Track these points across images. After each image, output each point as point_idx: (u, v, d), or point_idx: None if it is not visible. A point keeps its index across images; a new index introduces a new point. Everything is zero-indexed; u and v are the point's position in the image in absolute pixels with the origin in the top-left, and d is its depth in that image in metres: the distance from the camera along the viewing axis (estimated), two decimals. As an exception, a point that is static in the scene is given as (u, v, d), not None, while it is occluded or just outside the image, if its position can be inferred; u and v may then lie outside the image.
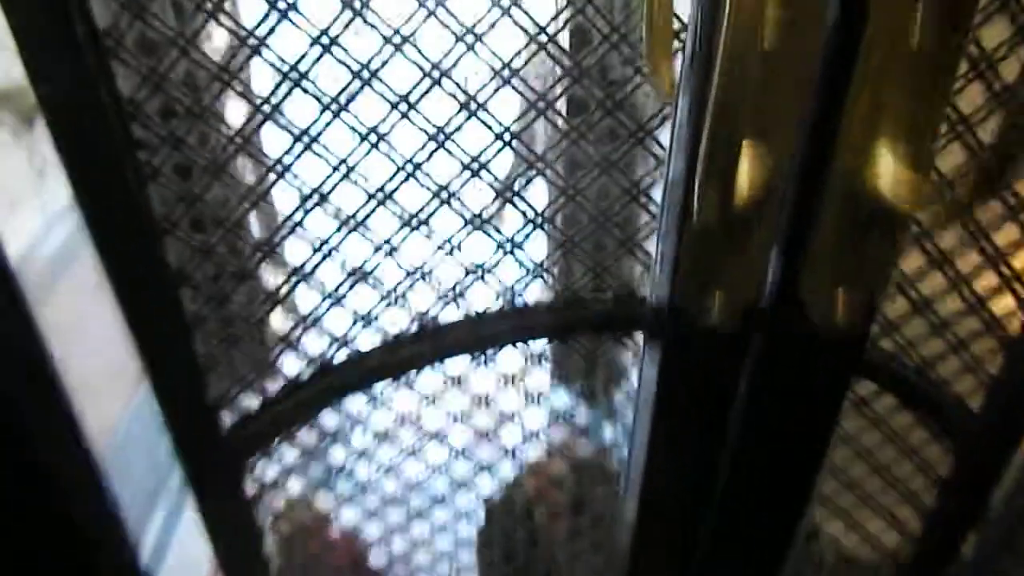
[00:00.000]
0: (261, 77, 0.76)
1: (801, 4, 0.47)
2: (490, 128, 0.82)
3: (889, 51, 0.48)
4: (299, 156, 0.80)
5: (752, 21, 0.45)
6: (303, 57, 0.74)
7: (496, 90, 0.81)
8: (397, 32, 0.74)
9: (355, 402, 1.04)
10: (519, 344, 1.05)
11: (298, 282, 0.88)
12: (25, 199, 2.45)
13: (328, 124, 0.79)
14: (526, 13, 0.77)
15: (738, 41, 0.46)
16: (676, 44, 0.67)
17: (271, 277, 0.89)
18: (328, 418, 1.06)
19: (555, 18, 0.79)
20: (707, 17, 0.49)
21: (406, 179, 0.84)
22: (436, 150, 0.82)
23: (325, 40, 0.73)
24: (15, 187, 2.39)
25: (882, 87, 0.49)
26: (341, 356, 0.97)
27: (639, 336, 1.00)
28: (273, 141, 0.79)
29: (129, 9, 0.67)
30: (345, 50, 0.75)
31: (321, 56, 0.74)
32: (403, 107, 0.79)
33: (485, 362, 1.04)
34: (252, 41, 0.72)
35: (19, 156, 2.27)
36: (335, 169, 0.82)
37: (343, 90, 0.77)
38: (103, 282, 0.70)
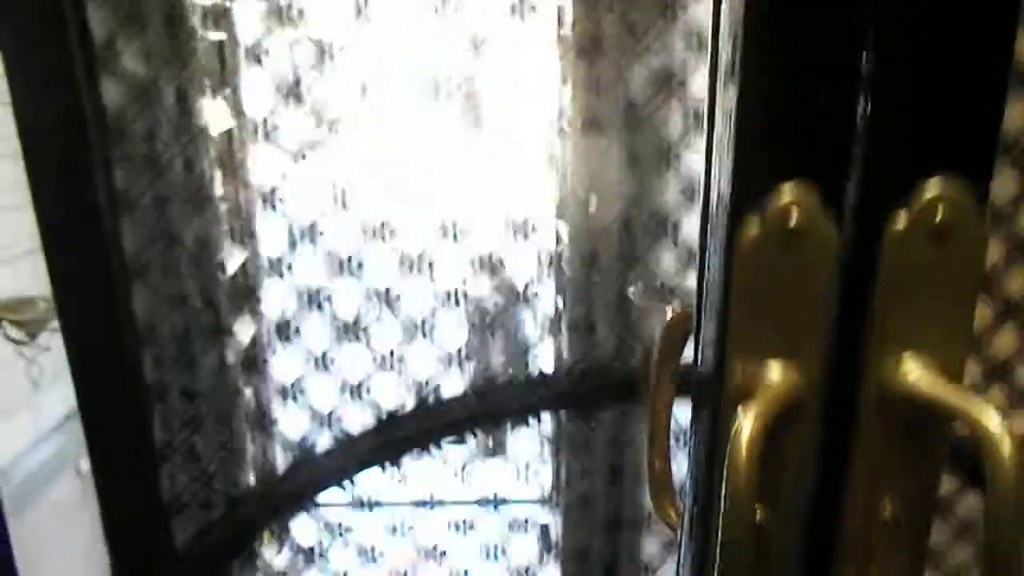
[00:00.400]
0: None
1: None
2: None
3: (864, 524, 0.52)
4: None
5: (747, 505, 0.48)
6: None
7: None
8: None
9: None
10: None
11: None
12: (18, 409, 2.44)
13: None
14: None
15: (733, 522, 0.48)
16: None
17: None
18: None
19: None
20: (703, 491, 0.52)
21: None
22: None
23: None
24: (10, 398, 2.40)
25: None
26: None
27: None
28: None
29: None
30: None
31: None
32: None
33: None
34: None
35: (18, 367, 2.28)
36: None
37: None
38: (82, 501, 0.67)
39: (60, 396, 2.21)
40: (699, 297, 0.52)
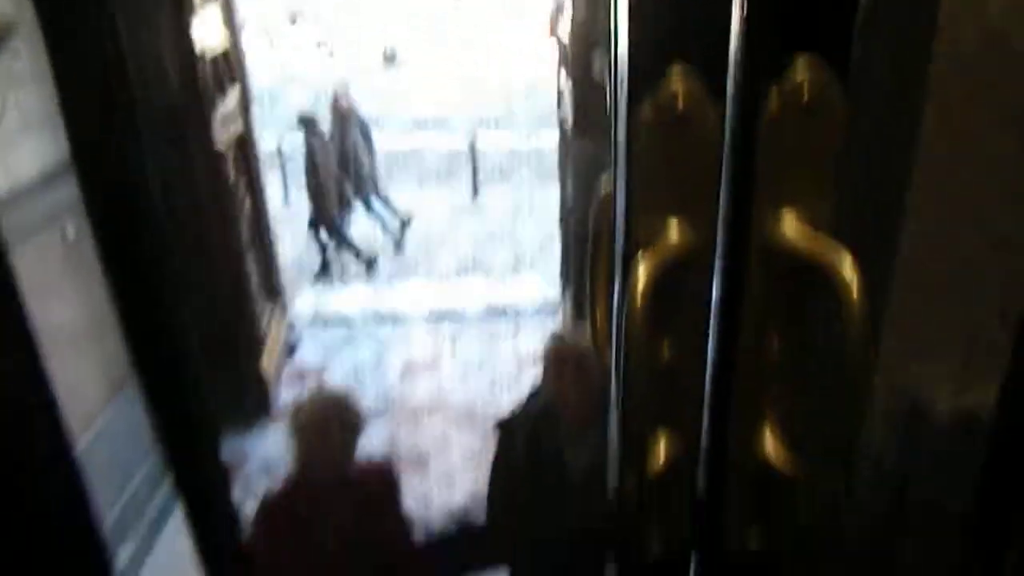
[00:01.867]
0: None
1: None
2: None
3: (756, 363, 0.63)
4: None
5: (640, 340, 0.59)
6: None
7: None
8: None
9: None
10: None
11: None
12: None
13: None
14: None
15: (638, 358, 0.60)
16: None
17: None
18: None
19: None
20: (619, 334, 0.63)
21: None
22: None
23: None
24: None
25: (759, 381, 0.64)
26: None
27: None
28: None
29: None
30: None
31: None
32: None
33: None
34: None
35: None
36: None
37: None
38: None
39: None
40: (612, 165, 0.63)
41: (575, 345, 1.53)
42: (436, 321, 3.28)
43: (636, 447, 0.64)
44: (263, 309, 2.54)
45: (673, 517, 0.70)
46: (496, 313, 3.26)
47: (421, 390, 3.46)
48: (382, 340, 3.18)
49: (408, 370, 3.16)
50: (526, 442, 1.55)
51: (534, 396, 1.60)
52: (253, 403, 2.26)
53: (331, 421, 1.50)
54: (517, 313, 3.24)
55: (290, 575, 1.51)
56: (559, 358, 1.54)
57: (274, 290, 2.64)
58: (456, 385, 3.36)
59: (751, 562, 0.71)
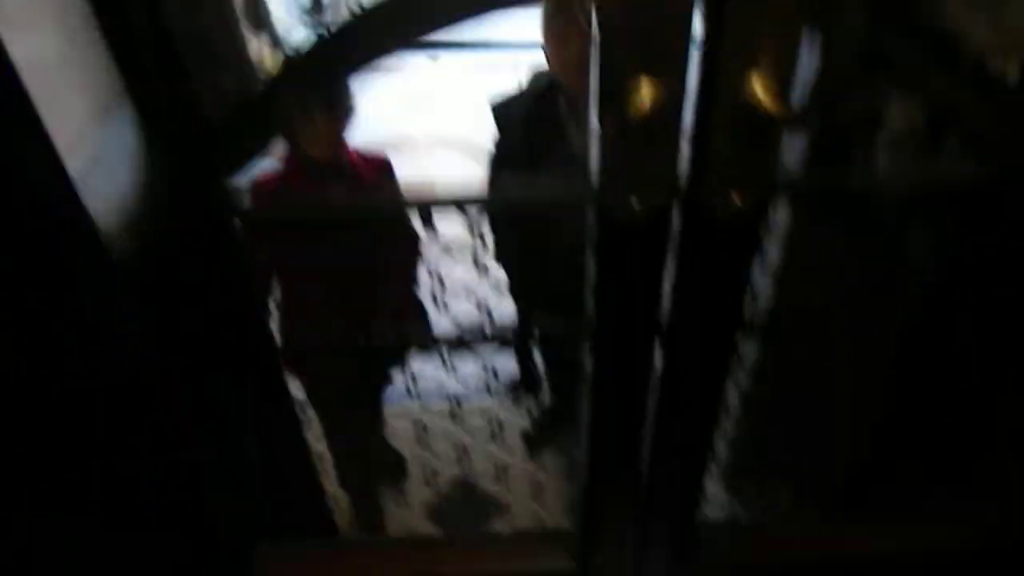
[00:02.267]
0: None
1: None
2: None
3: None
4: None
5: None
6: None
7: None
8: None
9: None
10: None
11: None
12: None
13: None
14: None
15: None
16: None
17: None
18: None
19: None
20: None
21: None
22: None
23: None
24: None
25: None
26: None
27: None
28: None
29: None
30: None
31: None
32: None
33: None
34: None
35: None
36: None
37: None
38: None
39: None
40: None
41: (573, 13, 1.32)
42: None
43: (617, 88, 0.61)
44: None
45: (658, 169, 0.69)
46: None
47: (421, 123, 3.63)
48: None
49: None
50: (524, 122, 1.50)
51: (535, 79, 1.52)
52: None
53: (319, 101, 1.41)
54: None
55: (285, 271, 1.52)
56: (557, 27, 1.36)
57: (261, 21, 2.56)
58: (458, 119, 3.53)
59: (734, 223, 0.72)
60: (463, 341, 1.05)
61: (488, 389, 1.10)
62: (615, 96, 0.63)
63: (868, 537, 1.21)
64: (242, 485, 1.06)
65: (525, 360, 2.17)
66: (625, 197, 0.72)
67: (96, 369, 0.82)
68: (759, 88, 0.65)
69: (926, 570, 1.22)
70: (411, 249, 1.68)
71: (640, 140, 0.68)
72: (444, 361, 1.09)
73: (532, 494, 1.14)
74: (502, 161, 1.60)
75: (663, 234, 0.76)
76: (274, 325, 1.55)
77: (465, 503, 1.69)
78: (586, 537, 1.08)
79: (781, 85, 0.65)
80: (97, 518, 1.02)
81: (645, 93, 0.64)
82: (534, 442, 2.28)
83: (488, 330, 1.06)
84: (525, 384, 2.22)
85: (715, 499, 1.04)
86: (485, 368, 1.12)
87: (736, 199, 0.72)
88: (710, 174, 0.71)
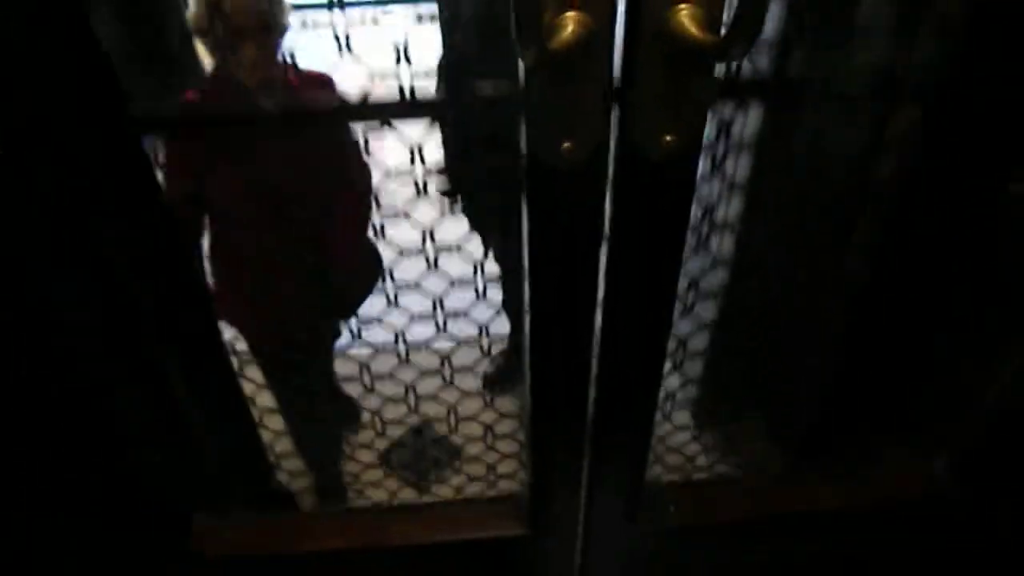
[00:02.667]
0: None
1: None
2: None
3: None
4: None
5: None
6: None
7: None
8: None
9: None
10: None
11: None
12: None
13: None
14: None
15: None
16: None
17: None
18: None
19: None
20: None
21: None
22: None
23: None
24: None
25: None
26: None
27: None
28: None
29: None
30: None
31: None
32: None
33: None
34: None
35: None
36: None
37: None
38: None
39: None
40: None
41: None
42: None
43: (534, 17, 0.57)
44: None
45: (587, 111, 0.67)
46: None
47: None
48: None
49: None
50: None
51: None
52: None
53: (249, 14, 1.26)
54: None
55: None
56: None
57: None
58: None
59: (668, 164, 0.70)
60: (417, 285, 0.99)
61: (438, 328, 1.03)
62: (536, 29, 0.61)
63: (816, 495, 1.22)
64: (178, 450, 1.03)
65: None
66: (554, 141, 0.70)
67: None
68: (686, 19, 0.63)
69: (873, 524, 1.24)
70: (359, 181, 1.50)
71: (566, 79, 0.66)
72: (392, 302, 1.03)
73: (487, 437, 1.09)
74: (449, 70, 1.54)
75: (597, 178, 0.74)
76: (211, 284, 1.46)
77: (418, 449, 1.64)
78: (535, 501, 1.07)
79: (711, 15, 0.63)
80: (21, 487, 0.98)
81: (568, 26, 0.62)
82: (494, 382, 2.19)
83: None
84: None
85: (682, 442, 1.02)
86: (436, 306, 1.06)
87: (669, 139, 0.71)
88: (641, 115, 0.70)
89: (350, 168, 1.46)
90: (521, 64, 0.68)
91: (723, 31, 0.64)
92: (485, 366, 2.22)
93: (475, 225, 1.64)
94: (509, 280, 2.09)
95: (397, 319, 1.09)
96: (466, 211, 1.63)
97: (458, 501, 1.17)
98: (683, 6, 0.63)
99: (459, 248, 1.05)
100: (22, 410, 0.90)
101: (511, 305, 2.23)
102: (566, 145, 0.71)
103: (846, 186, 1.17)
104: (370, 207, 1.43)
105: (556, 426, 0.96)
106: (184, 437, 1.01)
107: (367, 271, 1.60)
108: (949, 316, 1.21)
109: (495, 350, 1.96)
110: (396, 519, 1.15)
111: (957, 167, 1.10)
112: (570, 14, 0.62)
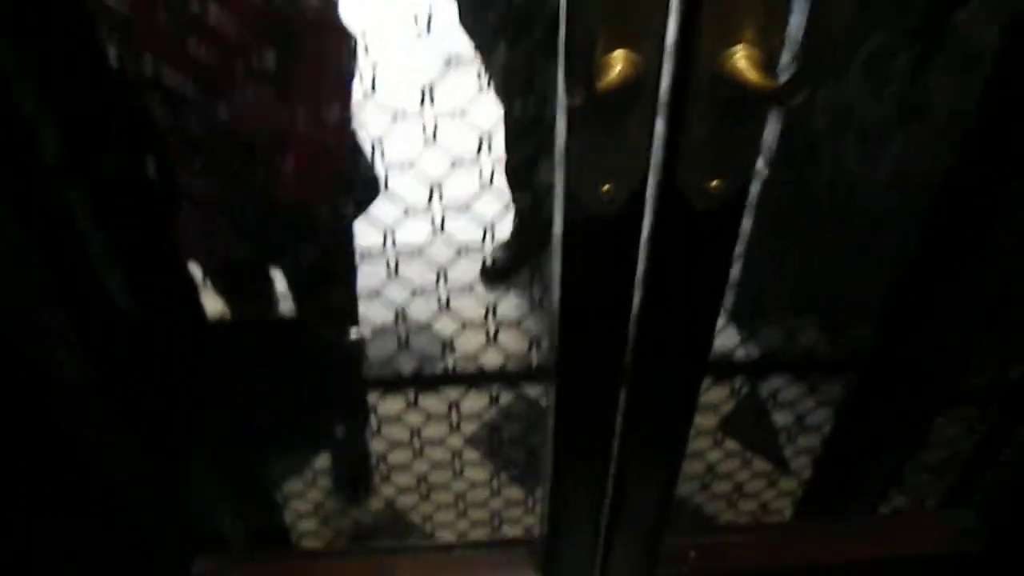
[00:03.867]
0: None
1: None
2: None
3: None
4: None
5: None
6: None
7: None
8: None
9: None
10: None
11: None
12: None
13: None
14: None
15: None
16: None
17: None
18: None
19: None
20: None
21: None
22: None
23: None
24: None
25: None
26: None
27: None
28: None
29: None
30: None
31: None
32: None
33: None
34: None
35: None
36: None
37: None
38: None
39: None
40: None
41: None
42: None
43: (586, 58, 0.54)
44: None
45: (631, 153, 0.64)
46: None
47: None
48: None
49: None
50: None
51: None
52: None
53: None
54: None
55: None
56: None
57: None
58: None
59: (712, 212, 0.66)
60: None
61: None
62: (587, 68, 0.56)
63: (838, 546, 1.18)
64: (177, 492, 0.98)
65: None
66: (594, 183, 0.66)
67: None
68: (742, 61, 0.59)
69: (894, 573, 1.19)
70: (341, 57, 1.16)
71: (610, 120, 0.62)
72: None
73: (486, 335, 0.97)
74: None
75: (635, 224, 0.69)
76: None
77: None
78: (550, 546, 1.02)
79: (768, 56, 0.59)
80: (14, 531, 0.93)
81: (617, 65, 0.57)
82: (493, 275, 2.09)
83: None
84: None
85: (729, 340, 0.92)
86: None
87: (715, 184, 0.66)
88: (687, 159, 0.65)
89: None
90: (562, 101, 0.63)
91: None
92: (485, 256, 2.08)
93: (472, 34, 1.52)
94: (509, 123, 1.98)
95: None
96: (462, 22, 1.53)
97: (468, 544, 1.12)
98: (740, 47, 0.59)
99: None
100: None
101: (513, 171, 2.13)
102: (606, 188, 0.66)
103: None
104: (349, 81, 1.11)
105: (575, 491, 0.91)
106: (184, 478, 0.96)
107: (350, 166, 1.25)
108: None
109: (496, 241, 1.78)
110: (402, 561, 1.10)
111: None
112: (619, 52, 0.58)
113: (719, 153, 0.65)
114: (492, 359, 0.95)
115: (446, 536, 1.22)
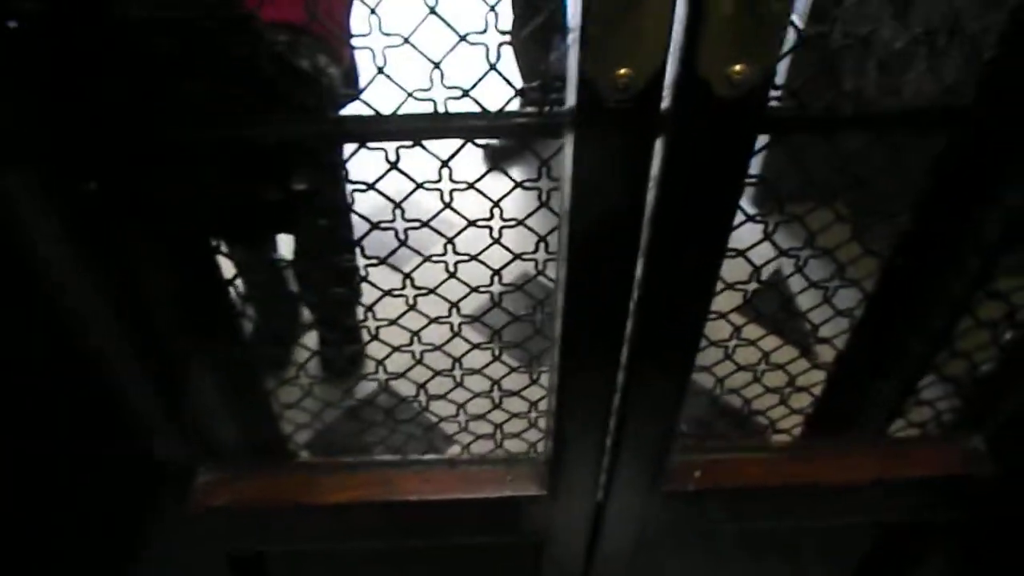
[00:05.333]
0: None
1: None
2: None
3: None
4: None
5: None
6: None
7: None
8: None
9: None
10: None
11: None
12: None
13: None
14: None
15: None
16: None
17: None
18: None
19: None
20: None
21: None
22: None
23: None
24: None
25: None
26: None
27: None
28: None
29: None
30: None
31: None
32: None
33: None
34: None
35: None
36: None
37: None
38: None
39: None
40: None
41: None
42: None
43: None
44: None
45: (649, 35, 0.59)
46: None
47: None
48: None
49: None
50: None
51: None
52: None
53: None
54: None
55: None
56: None
57: None
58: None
59: (736, 98, 0.61)
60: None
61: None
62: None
63: (844, 466, 1.17)
64: (178, 403, 0.97)
65: None
66: (611, 68, 0.61)
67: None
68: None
69: (907, 495, 1.19)
70: None
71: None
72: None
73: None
74: None
75: (652, 115, 0.65)
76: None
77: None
78: (555, 461, 1.01)
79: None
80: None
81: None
82: (497, 156, 2.07)
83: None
84: None
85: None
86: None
87: (739, 69, 0.62)
88: (709, 40, 0.61)
89: None
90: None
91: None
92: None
93: None
94: None
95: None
96: None
97: (472, 460, 1.11)
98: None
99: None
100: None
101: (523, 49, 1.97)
102: (622, 71, 0.62)
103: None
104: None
105: (581, 405, 0.89)
106: (183, 391, 0.95)
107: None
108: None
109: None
110: (405, 474, 1.10)
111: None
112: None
113: (744, 34, 0.60)
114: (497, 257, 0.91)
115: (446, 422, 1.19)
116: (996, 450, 1.16)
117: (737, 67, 0.62)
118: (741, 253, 0.91)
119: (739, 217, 0.74)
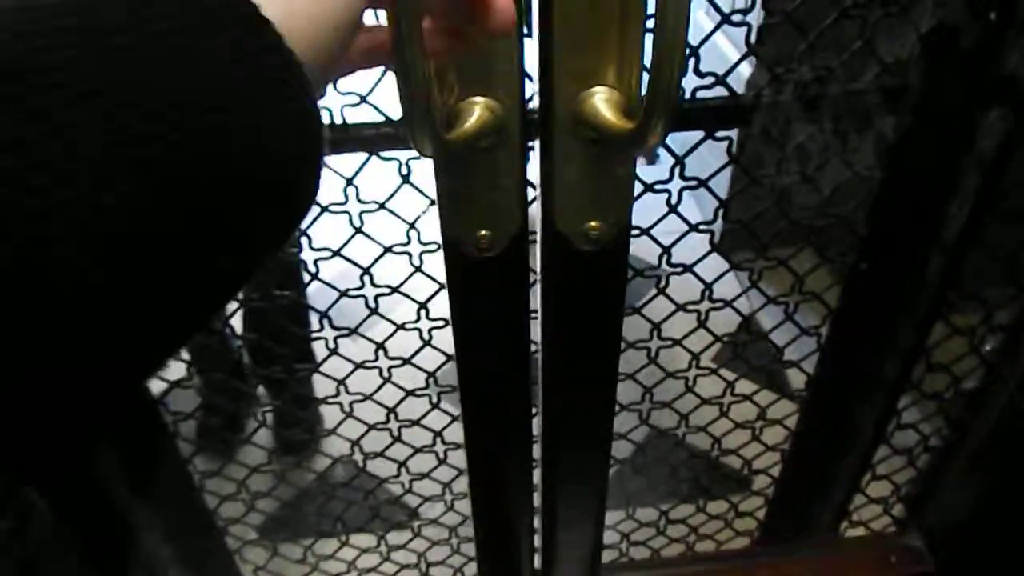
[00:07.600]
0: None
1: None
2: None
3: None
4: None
5: None
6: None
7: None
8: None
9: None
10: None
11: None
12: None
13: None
14: None
15: None
16: None
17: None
18: None
19: None
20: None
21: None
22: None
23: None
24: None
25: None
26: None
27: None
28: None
29: None
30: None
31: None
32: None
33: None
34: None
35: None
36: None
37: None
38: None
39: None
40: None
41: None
42: None
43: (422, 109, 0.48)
44: None
45: (504, 201, 0.63)
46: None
47: None
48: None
49: None
50: None
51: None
52: None
53: None
54: None
55: None
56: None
57: None
58: None
59: (595, 256, 0.66)
60: None
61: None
62: (428, 118, 0.56)
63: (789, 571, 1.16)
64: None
65: None
66: (471, 230, 0.66)
67: None
68: (601, 103, 0.58)
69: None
70: None
71: (477, 165, 0.62)
72: None
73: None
74: None
75: (520, 268, 0.69)
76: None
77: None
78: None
79: (628, 98, 0.58)
80: None
81: (474, 112, 0.57)
82: None
83: None
84: None
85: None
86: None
87: (594, 227, 0.66)
88: (562, 201, 0.65)
89: None
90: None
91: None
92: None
93: None
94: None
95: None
96: None
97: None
98: (599, 89, 0.58)
99: None
100: None
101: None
102: (482, 234, 0.66)
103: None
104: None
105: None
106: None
107: None
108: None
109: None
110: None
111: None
112: (474, 100, 0.58)
113: (594, 195, 0.65)
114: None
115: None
116: (932, 547, 1.16)
117: (593, 223, 0.66)
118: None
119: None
